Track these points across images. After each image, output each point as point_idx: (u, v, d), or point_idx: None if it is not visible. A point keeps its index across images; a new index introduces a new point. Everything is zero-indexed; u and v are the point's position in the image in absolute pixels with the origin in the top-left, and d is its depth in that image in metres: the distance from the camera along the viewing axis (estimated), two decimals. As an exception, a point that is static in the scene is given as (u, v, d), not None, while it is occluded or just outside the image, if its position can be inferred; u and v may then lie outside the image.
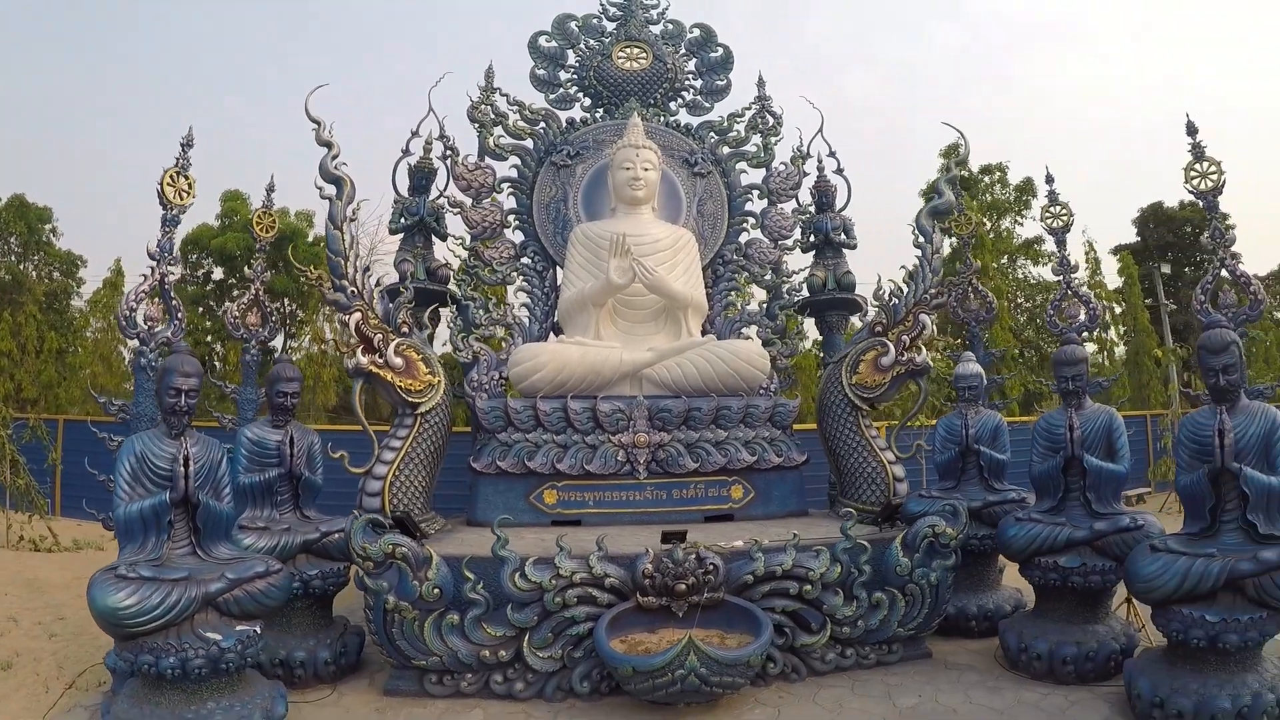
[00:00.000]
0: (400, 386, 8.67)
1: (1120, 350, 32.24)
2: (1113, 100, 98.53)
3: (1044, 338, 27.70)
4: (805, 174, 12.49)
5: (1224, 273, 9.38)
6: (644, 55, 12.39)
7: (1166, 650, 6.62)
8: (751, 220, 12.28)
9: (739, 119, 12.60)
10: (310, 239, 29.02)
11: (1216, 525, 6.55)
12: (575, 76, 12.51)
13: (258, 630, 6.38)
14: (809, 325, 14.02)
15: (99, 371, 26.99)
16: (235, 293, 26.39)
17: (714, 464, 9.55)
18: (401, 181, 12.63)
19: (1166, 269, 38.71)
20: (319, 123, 8.62)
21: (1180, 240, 39.36)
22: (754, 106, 12.66)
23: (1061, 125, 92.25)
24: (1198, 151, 9.18)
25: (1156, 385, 28.77)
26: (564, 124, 12.26)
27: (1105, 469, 7.68)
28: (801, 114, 12.37)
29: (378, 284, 9.06)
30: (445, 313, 12.31)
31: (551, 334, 11.13)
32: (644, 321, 10.85)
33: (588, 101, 12.54)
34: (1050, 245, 11.40)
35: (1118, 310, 31.80)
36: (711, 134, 12.48)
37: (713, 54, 12.84)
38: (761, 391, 10.54)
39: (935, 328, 10.05)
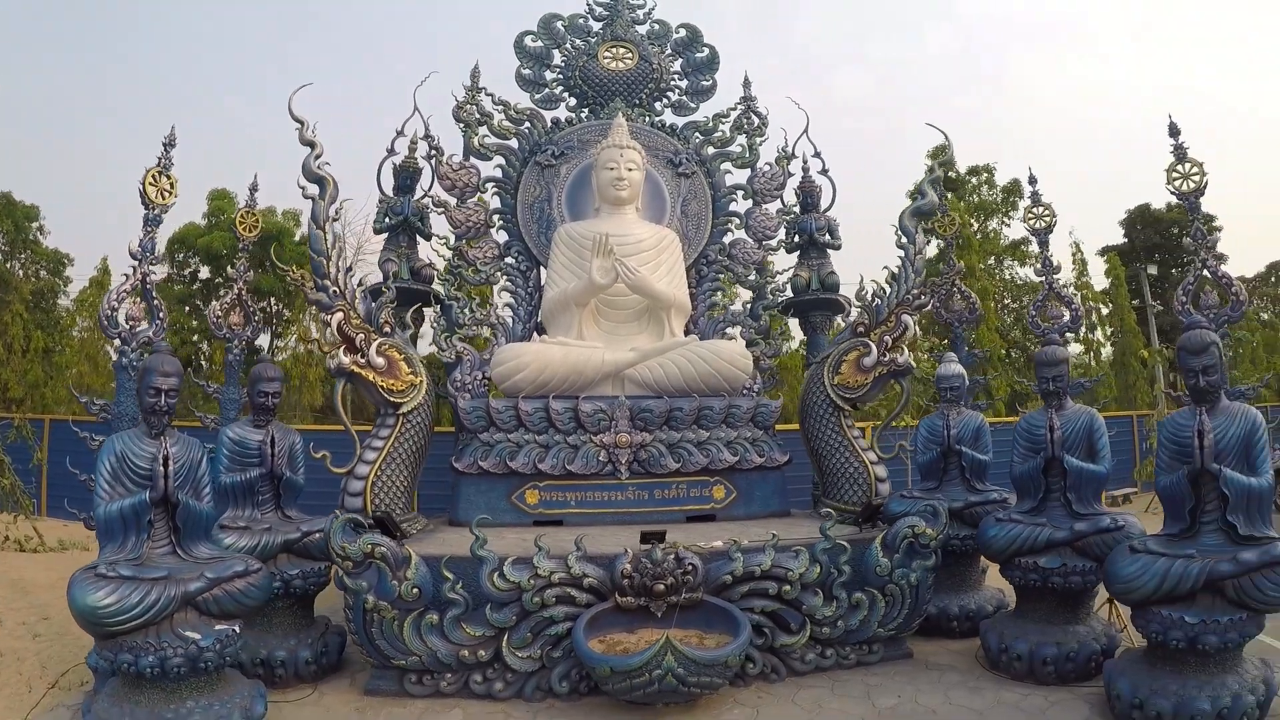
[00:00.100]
0: (382, 386, 8.68)
1: (1107, 351, 32.32)
2: (1103, 102, 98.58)
3: (1030, 339, 27.73)
4: (790, 174, 12.48)
5: (1205, 273, 9.42)
6: (630, 55, 12.37)
7: (1146, 651, 6.62)
8: (736, 220, 12.26)
9: (724, 119, 12.59)
10: (297, 238, 28.91)
11: (1197, 526, 6.55)
12: (561, 76, 12.48)
13: (236, 630, 6.39)
14: (795, 326, 14.02)
15: (85, 371, 26.89)
16: (221, 292, 26.29)
17: (696, 464, 9.56)
18: (387, 181, 12.61)
19: (1153, 270, 38.87)
20: (302, 122, 8.66)
21: (1167, 242, 39.48)
22: (739, 107, 12.64)
23: (1052, 127, 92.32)
24: (1180, 153, 9.22)
25: (1143, 386, 28.89)
26: (549, 124, 12.24)
27: (1086, 469, 7.69)
28: (790, 114, 12.30)
29: (360, 284, 9.04)
30: (429, 313, 12.29)
31: (535, 334, 11.10)
32: (627, 322, 10.84)
33: (573, 101, 12.52)
34: (1036, 246, 11.37)
35: (1104, 311, 31.89)
36: (696, 134, 12.47)
37: (698, 54, 12.83)
38: (744, 392, 10.54)
39: (919, 328, 10.08)
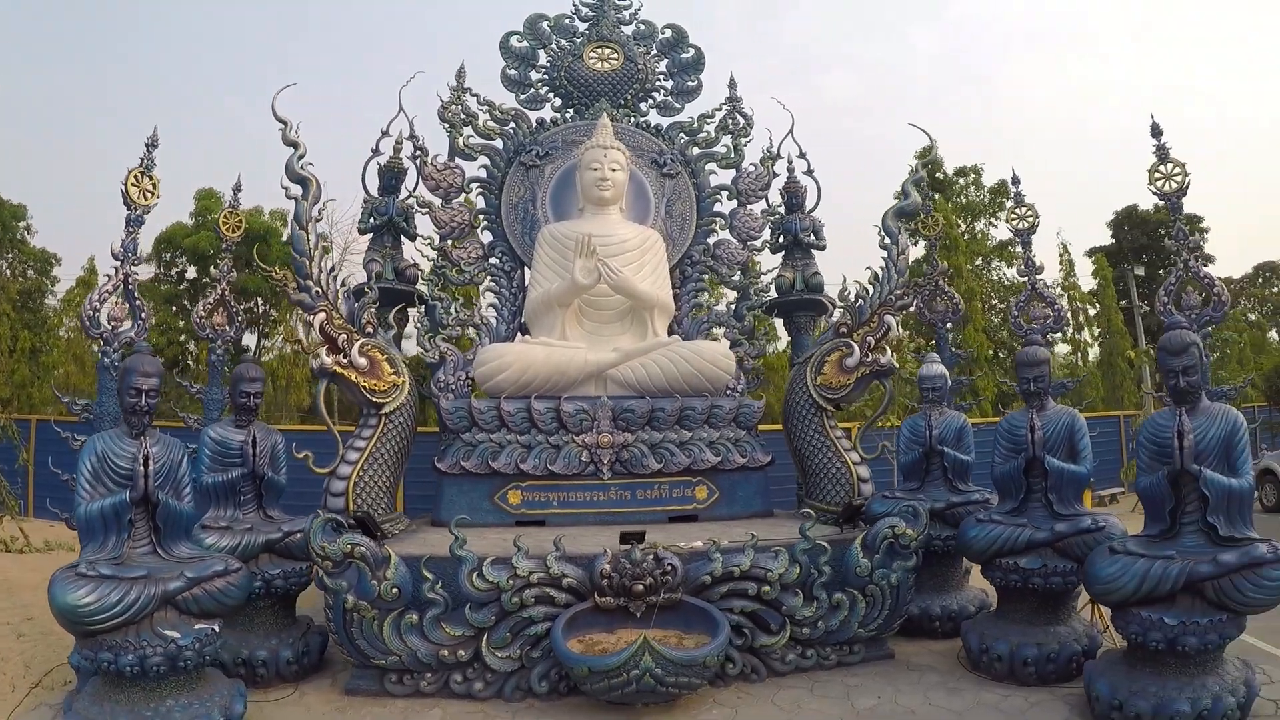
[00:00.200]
0: (364, 386, 8.68)
1: (1094, 352, 32.43)
2: (1092, 103, 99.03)
3: (1017, 339, 27.87)
4: (775, 175, 12.48)
5: (1188, 274, 9.43)
6: (615, 56, 12.35)
7: (1126, 652, 6.62)
8: (720, 221, 12.26)
9: (709, 120, 12.56)
10: (284, 238, 28.83)
11: (1177, 527, 6.54)
12: (546, 77, 12.44)
13: (216, 629, 6.40)
14: (782, 326, 14.01)
15: (72, 371, 26.87)
16: (208, 291, 26.27)
17: (678, 464, 9.58)
18: (372, 181, 12.57)
19: (1140, 271, 38.93)
20: (286, 122, 8.68)
21: (1154, 243, 39.68)
22: (724, 107, 12.61)
23: (1042, 129, 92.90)
24: (1162, 153, 9.21)
25: (1130, 386, 29.01)
26: (534, 124, 12.21)
27: (1067, 470, 7.70)
28: (779, 115, 12.29)
29: (343, 285, 9.04)
30: (414, 313, 12.27)
31: (519, 334, 11.08)
32: (610, 322, 10.83)
33: (558, 102, 12.48)
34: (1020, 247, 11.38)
35: (1092, 312, 31.98)
36: (681, 135, 12.45)
37: (684, 55, 12.80)
38: (728, 392, 10.53)
39: (903, 329, 10.09)
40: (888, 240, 9.63)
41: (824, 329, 10.86)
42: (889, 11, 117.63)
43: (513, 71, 12.38)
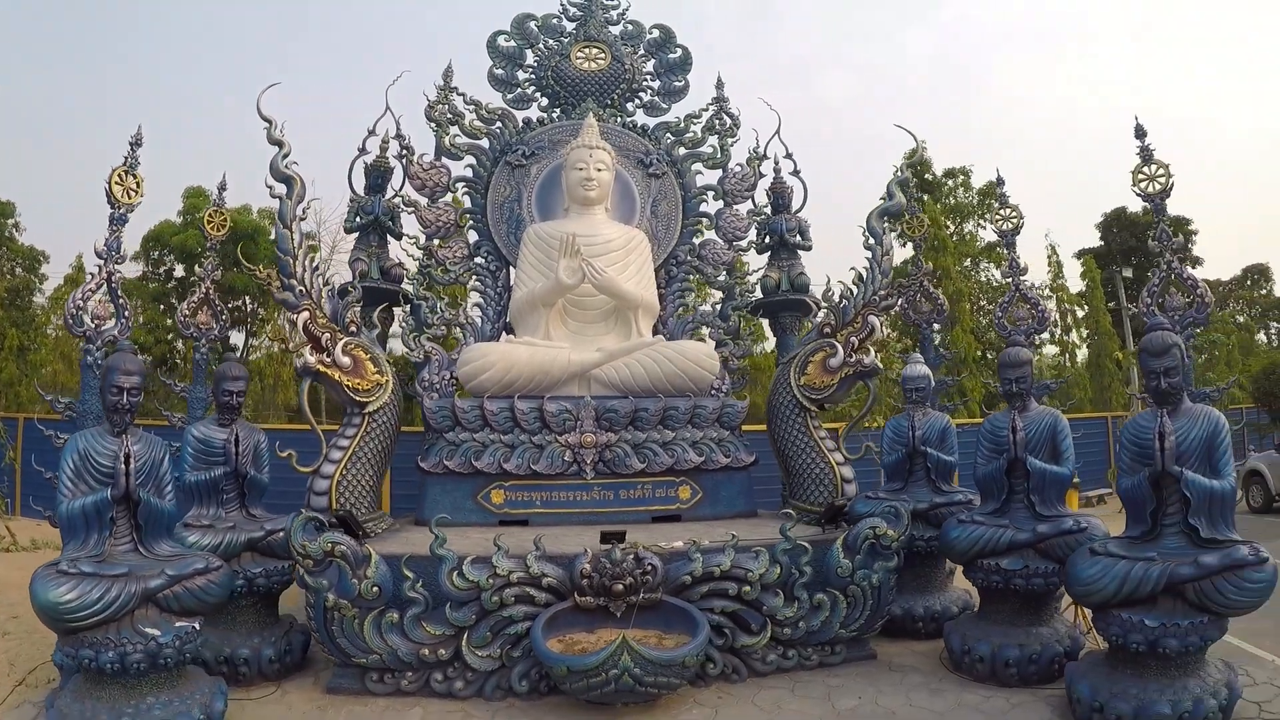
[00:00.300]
0: (348, 385, 8.68)
1: (1082, 353, 32.49)
2: (1082, 105, 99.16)
3: (1004, 340, 27.93)
4: (761, 175, 12.51)
5: (1171, 275, 9.44)
6: (602, 56, 12.35)
7: (1108, 654, 6.62)
8: (706, 221, 12.28)
9: (696, 120, 12.57)
10: (273, 237, 28.70)
11: (1158, 529, 6.54)
12: (533, 76, 12.43)
13: (196, 627, 6.39)
14: (768, 326, 14.02)
15: (60, 369, 26.75)
16: (192, 290, 26.18)
17: (661, 464, 9.58)
18: (358, 180, 12.54)
19: (1129, 273, 39.01)
20: (270, 121, 8.68)
21: (1142, 245, 39.58)
22: (711, 108, 12.62)
23: (1032, 130, 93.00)
24: (1146, 154, 9.23)
25: (1118, 387, 29.07)
26: (520, 124, 12.21)
27: (1049, 471, 7.70)
28: (767, 116, 12.31)
29: (326, 283, 9.03)
30: (399, 312, 12.26)
31: (504, 334, 11.07)
32: (594, 322, 10.83)
33: (545, 101, 12.47)
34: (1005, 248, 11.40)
35: (1080, 313, 32.05)
36: (668, 135, 12.45)
37: (671, 55, 12.80)
38: (712, 393, 10.52)
39: (889, 329, 10.10)
40: (872, 241, 9.65)
41: (808, 329, 10.86)
42: (883, 12, 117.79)
43: (500, 71, 12.37)
